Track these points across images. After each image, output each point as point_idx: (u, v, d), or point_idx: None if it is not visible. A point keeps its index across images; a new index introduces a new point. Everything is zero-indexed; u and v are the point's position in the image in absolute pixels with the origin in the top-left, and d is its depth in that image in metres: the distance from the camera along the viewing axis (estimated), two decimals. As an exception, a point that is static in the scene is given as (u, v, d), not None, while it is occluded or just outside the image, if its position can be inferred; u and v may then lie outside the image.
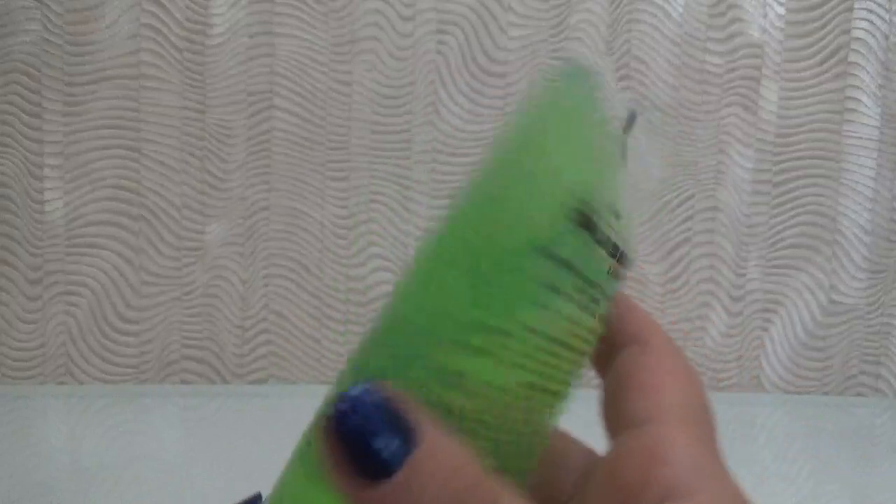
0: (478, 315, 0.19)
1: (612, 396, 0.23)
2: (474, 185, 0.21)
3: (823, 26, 0.82)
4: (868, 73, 0.82)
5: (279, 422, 0.62)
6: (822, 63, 0.82)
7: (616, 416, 0.22)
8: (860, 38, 0.82)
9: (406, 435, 0.18)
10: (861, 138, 0.83)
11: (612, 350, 0.24)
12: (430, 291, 0.20)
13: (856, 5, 0.82)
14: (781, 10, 0.81)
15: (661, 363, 0.22)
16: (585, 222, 0.20)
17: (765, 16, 0.82)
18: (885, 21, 0.82)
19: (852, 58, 0.82)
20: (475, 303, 0.19)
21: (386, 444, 0.18)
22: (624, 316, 0.24)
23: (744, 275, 0.84)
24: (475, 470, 0.19)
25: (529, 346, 0.20)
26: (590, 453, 0.24)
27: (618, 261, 0.22)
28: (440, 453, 0.18)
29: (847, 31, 0.82)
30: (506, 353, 0.19)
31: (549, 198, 0.20)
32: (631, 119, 0.24)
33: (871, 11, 0.82)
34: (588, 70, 0.22)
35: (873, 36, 0.82)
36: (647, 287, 0.83)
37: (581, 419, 0.25)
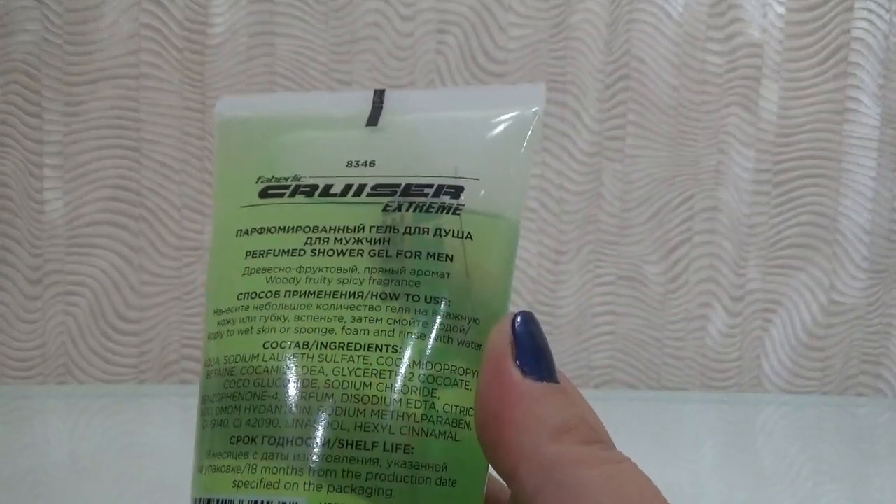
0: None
1: None
2: None
3: (823, 26, 0.82)
4: (868, 73, 0.82)
5: (279, 422, 0.61)
6: (822, 63, 0.82)
7: None
8: (860, 38, 0.82)
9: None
10: (861, 138, 0.83)
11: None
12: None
13: (856, 5, 0.82)
14: (781, 10, 0.81)
15: None
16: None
17: (765, 16, 0.82)
18: (885, 21, 0.82)
19: (852, 58, 0.82)
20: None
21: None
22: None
23: (744, 275, 0.84)
24: None
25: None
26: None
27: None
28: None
29: (847, 31, 0.82)
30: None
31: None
32: (378, 97, 0.24)
33: (871, 11, 0.82)
34: None
35: (873, 36, 0.82)
36: (647, 287, 0.83)
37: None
